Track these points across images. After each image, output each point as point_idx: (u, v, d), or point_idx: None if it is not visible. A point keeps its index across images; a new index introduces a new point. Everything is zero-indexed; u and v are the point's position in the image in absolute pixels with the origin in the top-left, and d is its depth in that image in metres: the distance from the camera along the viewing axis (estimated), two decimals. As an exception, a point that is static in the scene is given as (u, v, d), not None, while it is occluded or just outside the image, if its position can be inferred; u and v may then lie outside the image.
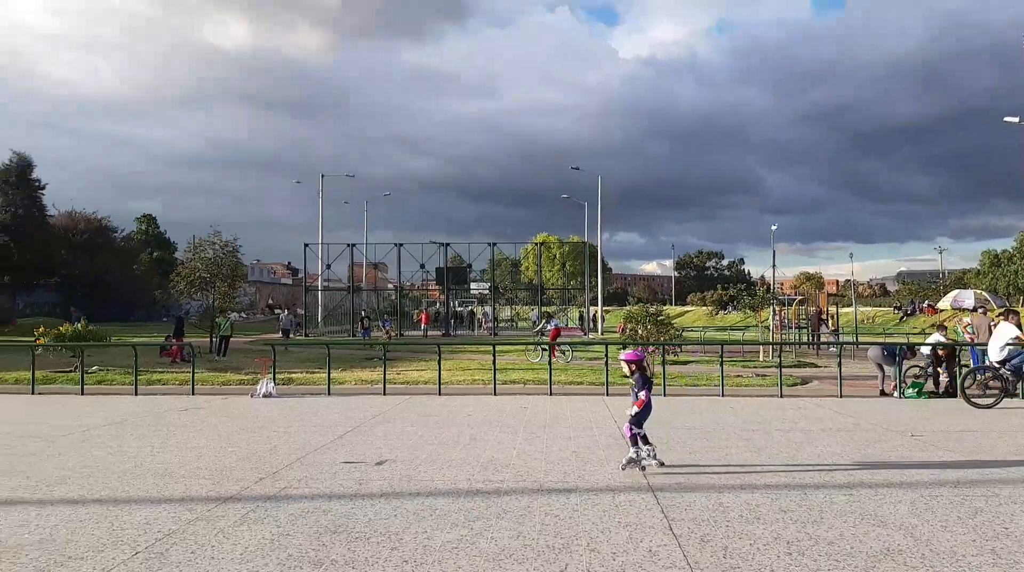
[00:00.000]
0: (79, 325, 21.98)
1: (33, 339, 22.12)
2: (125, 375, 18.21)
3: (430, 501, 6.59)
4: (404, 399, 14.70)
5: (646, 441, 7.92)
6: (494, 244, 50.53)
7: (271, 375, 15.89)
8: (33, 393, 16.17)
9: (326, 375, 16.64)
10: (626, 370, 8.11)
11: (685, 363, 23.00)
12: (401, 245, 49.32)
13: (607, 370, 16.01)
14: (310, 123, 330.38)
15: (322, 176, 59.08)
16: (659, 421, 11.48)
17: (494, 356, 16.97)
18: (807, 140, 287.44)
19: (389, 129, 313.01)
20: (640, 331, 19.49)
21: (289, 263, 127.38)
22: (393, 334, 39.43)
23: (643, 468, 7.83)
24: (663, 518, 6.05)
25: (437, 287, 55.64)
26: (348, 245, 50.74)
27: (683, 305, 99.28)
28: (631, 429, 7.92)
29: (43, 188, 62.19)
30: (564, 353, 25.49)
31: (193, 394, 15.68)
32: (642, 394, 7.84)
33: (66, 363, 20.95)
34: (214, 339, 27.93)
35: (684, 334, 24.12)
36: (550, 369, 16.48)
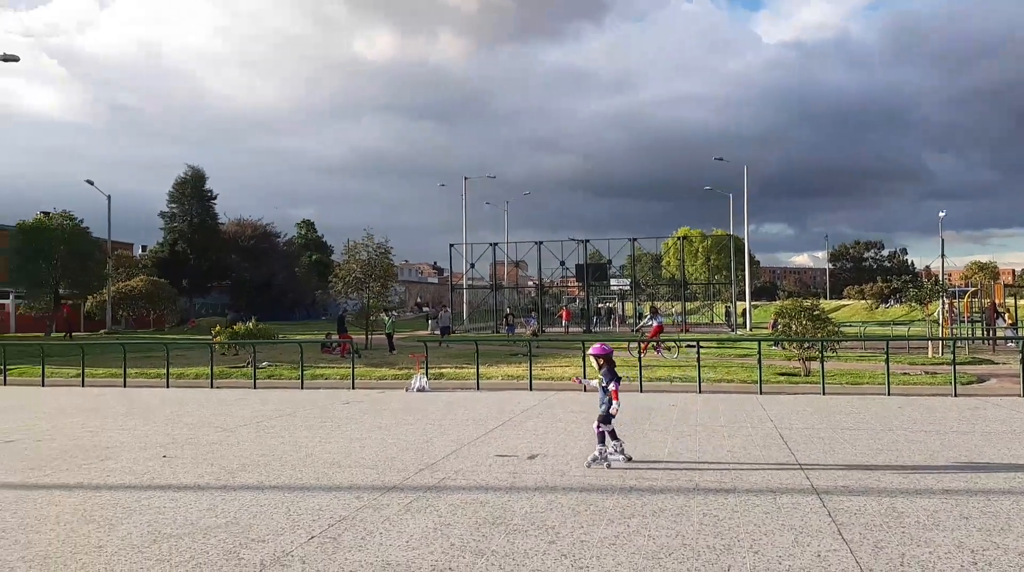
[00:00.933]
0: (250, 324, 23.78)
1: (210, 337, 24.11)
2: (292, 370, 19.47)
3: (584, 496, 6.60)
4: (549, 394, 14.82)
5: (614, 437, 8.03)
6: (634, 239, 49.98)
7: (424, 370, 16.48)
8: (212, 387, 17.62)
9: (475, 371, 17.06)
10: (595, 364, 8.17)
11: (845, 360, 21.76)
12: (541, 243, 49.76)
13: (760, 368, 15.42)
14: (452, 128, 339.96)
15: (465, 179, 60.65)
16: (820, 421, 10.94)
17: (640, 352, 16.74)
18: (975, 120, 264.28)
19: (528, 130, 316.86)
20: (794, 327, 18.58)
21: (435, 263, 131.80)
22: (537, 330, 39.85)
23: (609, 465, 7.81)
24: (831, 522, 5.76)
25: (577, 284, 55.68)
26: (490, 244, 51.81)
27: (839, 299, 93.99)
28: (599, 426, 7.93)
29: (214, 198, 67.68)
30: (670, 350, 24.75)
31: (353, 388, 16.53)
32: (611, 386, 7.85)
33: (240, 359, 22.70)
34: (371, 336, 29.34)
35: (842, 330, 22.80)
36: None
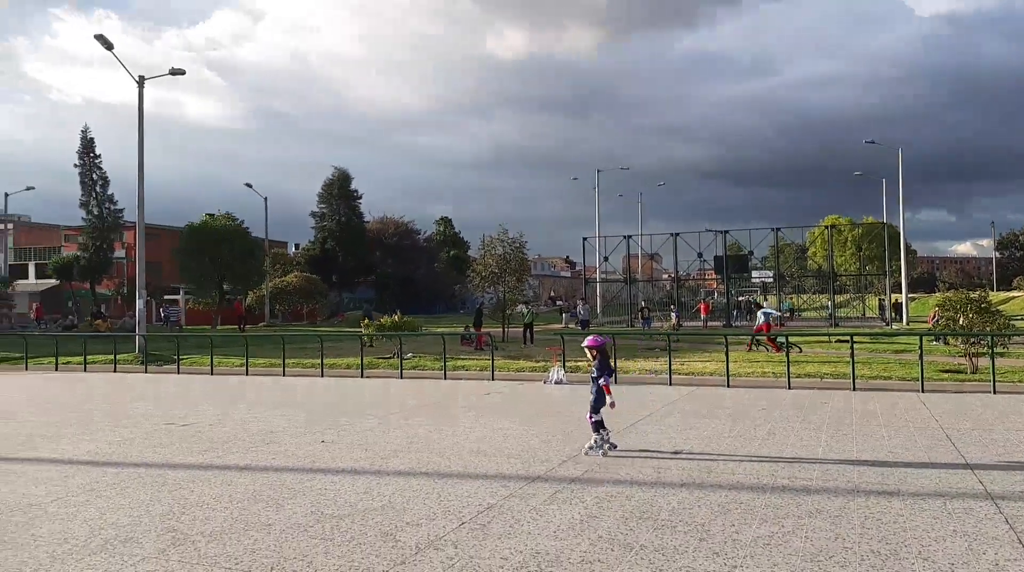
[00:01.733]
0: (395, 317, 24.76)
1: (359, 329, 25.31)
2: (435, 361, 20.11)
3: (734, 494, 6.41)
4: (690, 390, 14.50)
5: (602, 426, 8.26)
6: (777, 229, 47.88)
7: (561, 363, 16.57)
8: (362, 376, 18.49)
9: (612, 364, 16.94)
10: (588, 356, 8.44)
11: (1017, 357, 19.94)
12: (677, 234, 48.69)
13: (921, 364, 14.40)
14: (583, 120, 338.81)
15: (598, 171, 60.29)
16: (992, 422, 10.09)
17: (787, 348, 16.06)
18: None
19: (660, 119, 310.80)
20: (961, 320, 17.19)
21: (567, 257, 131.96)
22: (678, 323, 38.99)
23: (605, 452, 8.11)
24: (1008, 529, 5.31)
25: (716, 277, 54.04)
26: (624, 237, 51.30)
27: (1007, 290, 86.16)
28: (591, 417, 8.25)
29: (359, 198, 70.85)
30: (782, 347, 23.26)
31: (493, 380, 16.86)
32: (602, 381, 8.20)
33: (386, 350, 23.70)
34: (507, 329, 29.81)
35: (1012, 324, 20.88)
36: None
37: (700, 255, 49.38)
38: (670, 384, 15.48)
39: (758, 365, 18.57)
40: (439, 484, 6.94)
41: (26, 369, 22.77)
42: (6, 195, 53.28)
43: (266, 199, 54.87)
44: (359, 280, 70.34)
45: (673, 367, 16.37)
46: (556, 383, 15.59)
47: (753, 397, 13.15)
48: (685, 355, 21.06)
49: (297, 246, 77.08)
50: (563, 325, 41.85)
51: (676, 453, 8.26)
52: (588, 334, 28.17)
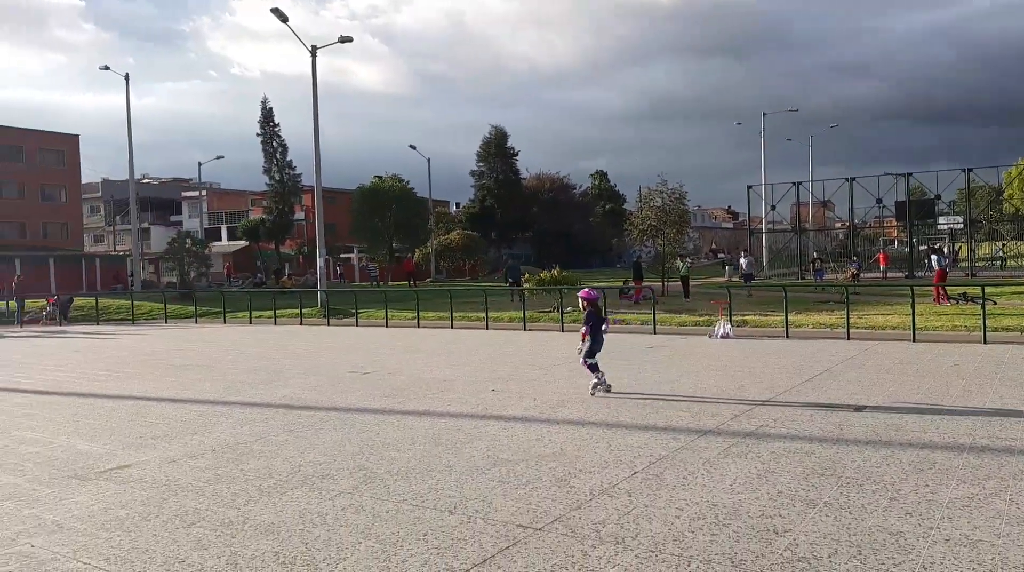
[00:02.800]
0: (554, 272, 25.01)
1: (522, 285, 25.78)
2: (594, 316, 20.19)
3: (926, 453, 6.00)
4: (871, 345, 13.64)
5: (596, 369, 9.15)
6: (969, 170, 43.48)
7: (727, 317, 16.10)
8: (524, 329, 18.90)
9: (782, 318, 16.27)
10: (581, 306, 9.61)
11: None
12: (853, 179, 45.41)
13: None
14: (747, 63, 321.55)
15: (763, 115, 57.22)
16: None
17: (983, 302, 14.69)
18: None
19: (832, 56, 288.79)
20: None
21: (729, 207, 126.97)
22: (857, 274, 36.57)
23: (607, 389, 9.05)
24: None
25: (897, 224, 50.13)
26: (793, 183, 48.49)
27: None
28: (585, 361, 9.22)
29: (516, 155, 71.56)
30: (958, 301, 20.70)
31: (655, 333, 16.69)
32: (583, 329, 9.35)
33: (546, 304, 24.03)
34: (666, 283, 29.31)
35: None
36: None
37: (879, 201, 45.82)
38: (848, 339, 14.64)
39: (947, 318, 17.14)
40: (609, 434, 6.99)
41: (224, 322, 25.17)
42: (200, 164, 58.41)
43: (429, 160, 56.71)
44: (517, 236, 71.46)
45: (851, 321, 15.45)
46: (722, 337, 15.18)
47: (942, 352, 12.18)
48: (863, 308, 19.81)
49: (458, 205, 79.33)
50: (726, 278, 40.53)
51: (859, 409, 7.83)
52: (753, 288, 27.06)
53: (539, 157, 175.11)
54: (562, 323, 18.88)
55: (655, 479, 5.51)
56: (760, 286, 29.50)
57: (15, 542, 4.61)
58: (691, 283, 28.68)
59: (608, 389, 9.09)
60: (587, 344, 9.22)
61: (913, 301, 15.36)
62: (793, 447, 6.33)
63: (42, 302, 29.43)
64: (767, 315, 19.22)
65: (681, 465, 5.87)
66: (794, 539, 4.29)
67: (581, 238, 70.50)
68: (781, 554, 4.07)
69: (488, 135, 70.68)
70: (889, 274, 41.38)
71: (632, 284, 27.70)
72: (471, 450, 6.53)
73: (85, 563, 4.23)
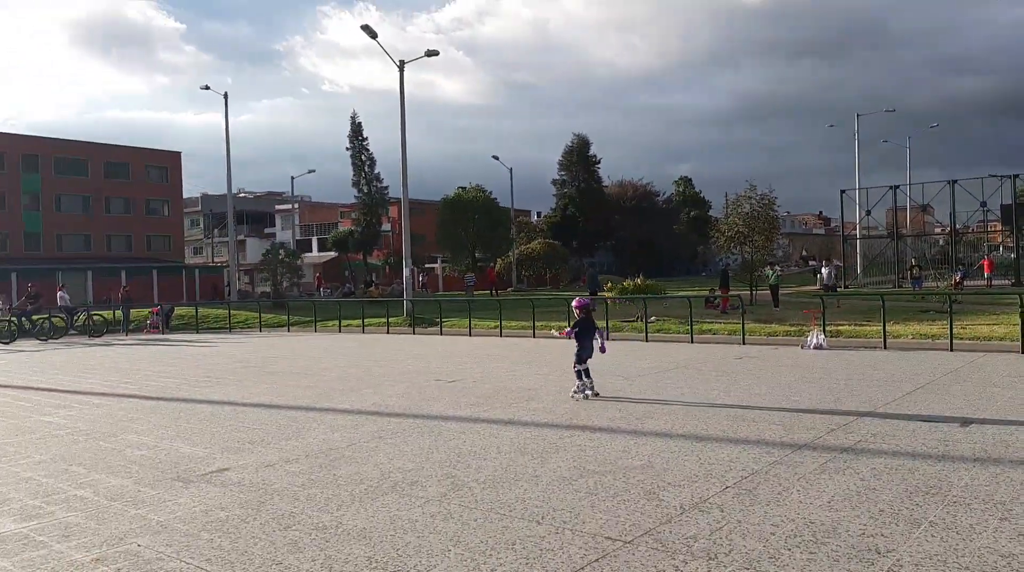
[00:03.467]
0: (638, 280, 24.79)
1: (601, 295, 25.64)
2: (680, 324, 19.84)
3: (1043, 473, 5.63)
4: (976, 356, 12.93)
5: (587, 375, 9.68)
6: (1085, 170, 40.71)
7: (820, 326, 15.56)
8: (607, 339, 18.73)
9: (878, 328, 15.62)
10: (576, 314, 10.07)
11: None
12: (955, 182, 43.22)
13: None
14: (841, 62, 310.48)
15: (857, 116, 55.21)
16: None
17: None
18: None
19: (933, 51, 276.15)
20: None
21: (821, 213, 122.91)
22: (960, 282, 34.72)
23: (586, 396, 9.52)
24: None
25: (1002, 228, 47.37)
26: (889, 187, 46.50)
27: None
28: (575, 365, 9.71)
29: (598, 163, 71.42)
30: None
31: (744, 344, 16.27)
32: (567, 330, 10.13)
33: (629, 314, 23.80)
34: (755, 291, 28.56)
35: None
36: None
37: (983, 204, 43.44)
38: (951, 350, 13.91)
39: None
40: (698, 447, 6.85)
41: (315, 331, 25.95)
42: (292, 178, 60.62)
43: (511, 170, 57.12)
44: (599, 244, 71.10)
45: (954, 331, 14.68)
46: (815, 348, 14.67)
47: (1059, 365, 11.43)
48: (967, 318, 18.79)
49: (539, 214, 79.59)
50: (818, 286, 39.20)
51: (966, 424, 7.42)
52: (835, 296, 25.97)
53: (622, 164, 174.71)
54: (646, 333, 18.63)
55: (748, 494, 5.36)
56: (853, 295, 28.38)
57: (123, 541, 4.85)
58: (781, 292, 27.87)
59: (594, 396, 9.60)
60: (576, 351, 9.78)
61: (1022, 310, 14.46)
62: (895, 463, 6.05)
63: (146, 312, 31.07)
64: (862, 325, 18.48)
65: (775, 480, 5.69)
66: (898, 559, 4.09)
67: (664, 246, 69.61)
68: (885, 576, 3.89)
69: (570, 143, 70.77)
70: (994, 282, 39.16)
71: (719, 293, 27.12)
72: (557, 460, 6.51)
73: (187, 563, 4.42)
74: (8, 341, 24.16)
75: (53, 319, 25.93)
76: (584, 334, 9.80)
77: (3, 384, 13.72)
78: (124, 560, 4.49)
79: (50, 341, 24.80)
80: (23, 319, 25.29)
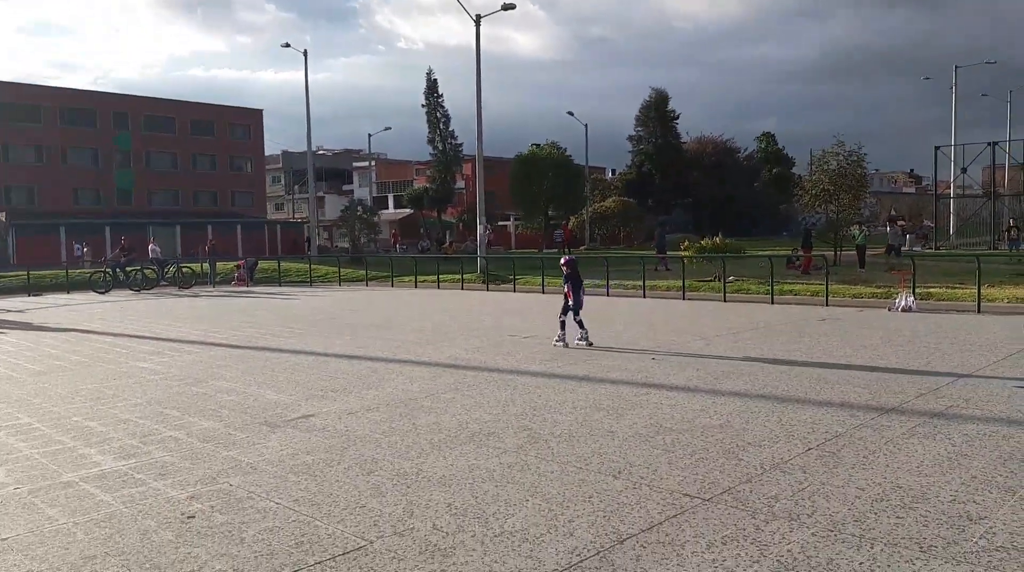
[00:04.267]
0: (716, 239, 24.23)
1: (677, 253, 25.20)
2: (759, 285, 19.35)
3: None
4: (1082, 322, 12.19)
5: (581, 326, 10.76)
6: None
7: (910, 288, 14.93)
8: (683, 298, 18.47)
9: (972, 291, 14.89)
10: (564, 271, 10.89)
11: None
12: (1061, 138, 40.45)
13: None
14: (936, 11, 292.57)
15: (955, 68, 52.04)
16: None
17: None
18: None
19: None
20: None
21: (911, 170, 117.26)
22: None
23: (566, 344, 10.65)
24: None
25: (1115, 187, 44.18)
26: (988, 144, 43.90)
27: None
28: (574, 317, 10.75)
29: (677, 118, 69.51)
30: None
31: (827, 305, 15.77)
32: (566, 287, 10.81)
33: (707, 273, 23.34)
34: (839, 252, 27.58)
35: None
36: None
37: (1092, 161, 40.64)
38: (1052, 314, 13.16)
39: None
40: (779, 408, 6.70)
41: (392, 285, 26.44)
42: (369, 136, 61.37)
43: (586, 126, 56.37)
44: (675, 202, 69.67)
45: (1056, 295, 13.86)
46: (904, 310, 14.10)
47: None
48: (1071, 281, 17.72)
49: (614, 171, 78.43)
50: (906, 246, 37.54)
51: (1068, 393, 7.03)
52: (904, 259, 24.88)
53: (702, 120, 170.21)
54: (724, 293, 18.25)
55: (831, 456, 5.23)
56: (945, 256, 27.06)
57: (215, 480, 5.09)
58: (867, 252, 26.83)
59: (586, 344, 10.58)
60: (570, 302, 10.76)
61: None
62: (988, 429, 5.79)
63: (232, 265, 32.21)
64: (955, 288, 17.63)
65: (860, 443, 5.53)
66: (990, 527, 3.94)
67: (744, 204, 67.63)
68: (976, 542, 3.75)
69: (648, 98, 69.00)
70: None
71: (800, 253, 26.29)
72: (633, 417, 6.48)
73: (277, 503, 4.61)
74: (104, 291, 25.46)
75: (145, 271, 27.16)
76: (576, 287, 10.78)
77: (101, 331, 14.50)
78: (217, 498, 4.72)
79: (142, 291, 26.02)
80: (117, 270, 26.56)
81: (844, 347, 10.14)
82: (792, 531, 3.96)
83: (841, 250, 28.08)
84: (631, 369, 8.82)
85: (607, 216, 57.55)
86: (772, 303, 16.68)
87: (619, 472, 4.99)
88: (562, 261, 11.31)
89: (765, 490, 4.58)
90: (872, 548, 3.72)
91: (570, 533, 4.01)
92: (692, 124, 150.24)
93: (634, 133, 70.32)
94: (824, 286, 16.62)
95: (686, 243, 26.65)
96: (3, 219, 47.60)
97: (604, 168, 77.79)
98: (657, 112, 68.36)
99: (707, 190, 66.57)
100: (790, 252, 27.74)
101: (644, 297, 18.97)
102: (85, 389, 8.45)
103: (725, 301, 17.52)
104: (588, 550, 3.79)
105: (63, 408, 7.48)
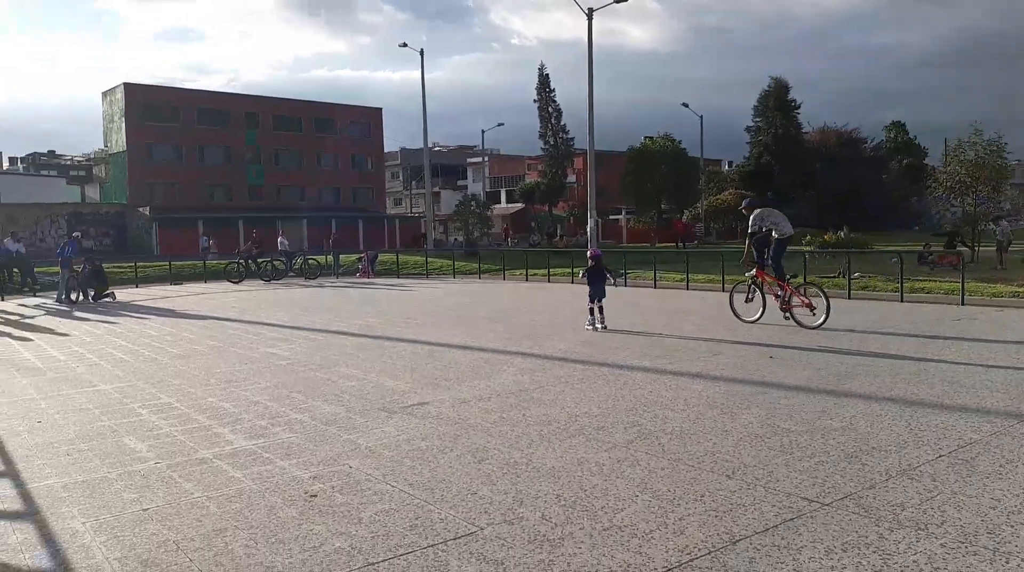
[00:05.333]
0: (841, 234, 23.14)
1: (799, 248, 24.20)
2: (887, 282, 18.35)
3: None
4: None
5: (600, 312, 11.86)
6: None
7: (1058, 288, 13.75)
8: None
9: None
10: (590, 262, 12.41)
11: None
12: None
13: None
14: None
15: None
16: None
17: None
18: None
19: None
20: None
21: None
22: None
23: (595, 329, 11.69)
24: None
25: None
26: None
27: None
28: (588, 303, 11.94)
29: (798, 108, 66.76)
30: None
31: (962, 304, 14.77)
32: (582, 276, 12.67)
33: (831, 269, 22.33)
34: (978, 248, 25.75)
35: None
36: None
37: None
38: None
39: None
40: (907, 412, 6.35)
41: (503, 278, 26.76)
42: (482, 132, 62.27)
43: (701, 117, 55.07)
44: (796, 195, 66.92)
45: None
46: (1050, 311, 13.02)
47: None
48: None
49: (730, 163, 76.21)
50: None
51: None
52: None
53: (824, 110, 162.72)
54: (848, 290, 17.39)
55: (964, 464, 4.92)
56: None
57: (336, 462, 5.33)
58: (1009, 249, 24.91)
59: (603, 330, 11.69)
60: (589, 292, 11.96)
61: None
62: None
63: (354, 257, 33.52)
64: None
65: (997, 451, 5.17)
66: None
67: (872, 197, 64.17)
68: None
69: (767, 88, 66.60)
70: None
71: (933, 248, 24.73)
72: (748, 416, 6.31)
73: (393, 486, 4.78)
74: (237, 281, 27.07)
75: (275, 262, 28.65)
76: (596, 278, 12.02)
77: (235, 318, 15.44)
78: (338, 479, 4.94)
79: (272, 282, 27.48)
80: (249, 262, 28.17)
81: (981, 349, 9.47)
82: (919, 541, 3.76)
83: (980, 246, 26.23)
84: (747, 368, 8.58)
85: (723, 209, 55.99)
86: (902, 301, 15.78)
87: (733, 472, 4.87)
88: (590, 253, 13.19)
89: (890, 497, 4.36)
90: (1007, 563, 3.48)
91: (680, 531, 3.96)
92: (814, 114, 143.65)
93: (752, 124, 68.07)
94: (960, 284, 15.58)
95: (808, 237, 25.60)
96: (147, 213, 51.40)
97: (720, 160, 75.81)
98: (777, 102, 65.88)
99: (831, 182, 63.59)
100: (921, 247, 26.15)
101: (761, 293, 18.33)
102: (219, 372, 9.04)
103: (849, 298, 16.71)
104: (699, 549, 3.73)
105: (199, 389, 8.02)
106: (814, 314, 11.53)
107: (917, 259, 24.28)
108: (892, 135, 75.71)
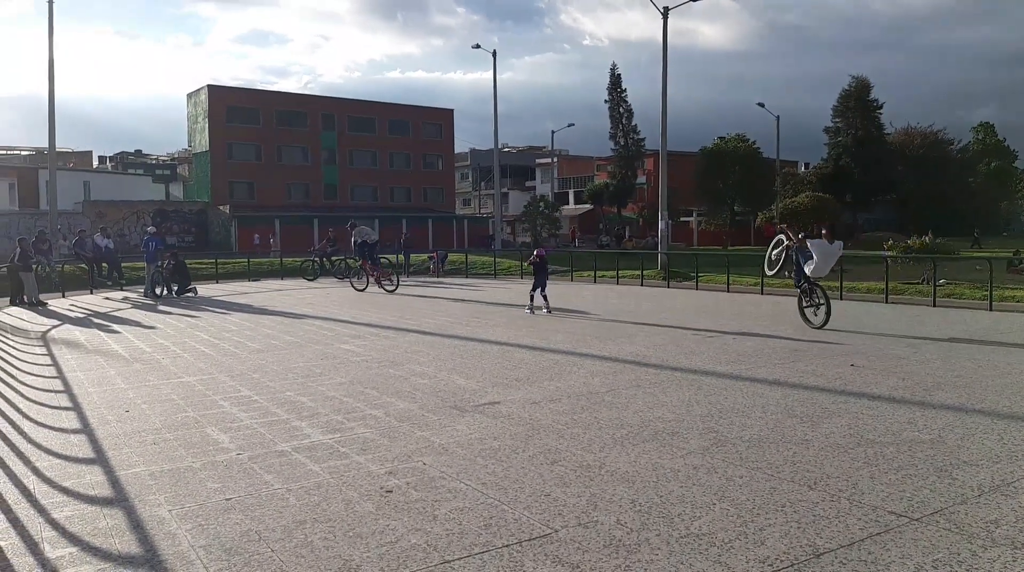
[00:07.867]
0: (926, 239, 22.25)
1: (879, 252, 23.38)
2: (975, 289, 17.54)
3: None
4: None
5: (545, 299, 14.88)
6: None
7: None
8: (886, 301, 17.12)
9: None
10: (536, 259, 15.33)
11: None
12: None
13: None
14: None
15: None
16: None
17: None
18: None
19: None
20: None
21: None
22: None
23: (532, 312, 14.67)
24: None
25: None
26: None
27: None
28: (532, 293, 15.10)
29: (880, 108, 64.60)
30: None
31: (1058, 314, 14.00)
32: (529, 267, 16.46)
33: (915, 275, 21.50)
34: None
35: None
36: None
37: None
38: None
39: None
40: (999, 424, 6.05)
41: (571, 280, 26.67)
42: (552, 133, 62.18)
43: (778, 118, 53.71)
44: (877, 198, 64.67)
45: None
46: None
47: None
48: None
49: (807, 165, 74.18)
50: None
51: None
52: None
53: (908, 110, 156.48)
54: (934, 297, 16.68)
55: (1064, 484, 4.64)
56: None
57: (411, 458, 5.39)
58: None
59: (541, 311, 14.64)
60: (535, 280, 14.98)
61: None
62: None
63: (424, 257, 33.94)
64: None
65: (1103, 471, 4.86)
66: None
67: (958, 201, 61.59)
68: None
69: (847, 87, 64.73)
70: None
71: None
72: (830, 426, 6.11)
73: (466, 484, 4.80)
74: (312, 278, 27.74)
75: (348, 261, 29.25)
76: (540, 269, 15.05)
77: (311, 315, 15.82)
78: (412, 476, 5.00)
79: (345, 280, 28.05)
80: (324, 260, 28.82)
81: (1082, 362, 8.95)
82: (1016, 560, 3.56)
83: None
84: (828, 375, 8.32)
85: (799, 212, 54.49)
86: (990, 310, 15.06)
87: (815, 483, 4.72)
88: (536, 252, 15.71)
89: (983, 514, 4.16)
90: (1121, 592, 3.27)
91: (761, 542, 3.85)
92: (897, 114, 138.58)
93: (831, 124, 66.24)
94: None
95: (890, 242, 24.70)
96: (228, 211, 53.17)
97: (796, 162, 73.83)
98: (857, 102, 63.89)
99: (914, 185, 61.27)
100: (1011, 254, 24.91)
101: (840, 298, 17.77)
102: (296, 367, 9.27)
103: (934, 305, 16.04)
104: (781, 561, 3.63)
105: (278, 383, 8.24)
106: (816, 315, 12.47)
107: (1007, 266, 23.14)
108: (980, 136, 72.43)
